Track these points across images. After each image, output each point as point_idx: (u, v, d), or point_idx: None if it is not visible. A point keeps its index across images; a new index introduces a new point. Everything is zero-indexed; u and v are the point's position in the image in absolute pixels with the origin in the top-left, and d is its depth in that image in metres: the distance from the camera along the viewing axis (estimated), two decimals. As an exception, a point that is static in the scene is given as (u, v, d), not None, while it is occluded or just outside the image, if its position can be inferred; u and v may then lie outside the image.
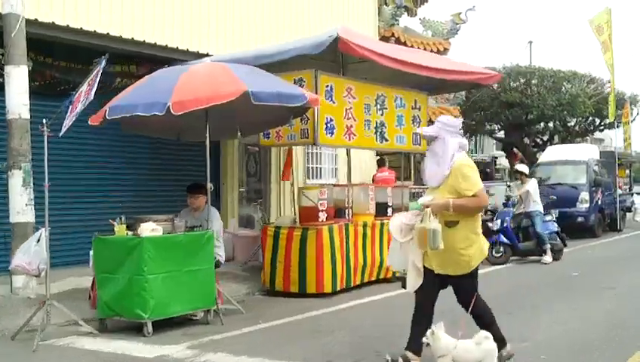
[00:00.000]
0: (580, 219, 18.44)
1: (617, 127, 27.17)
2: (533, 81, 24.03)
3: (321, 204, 9.25)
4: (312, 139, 9.13)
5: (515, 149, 26.36)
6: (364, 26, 15.84)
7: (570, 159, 19.39)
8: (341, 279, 9.28)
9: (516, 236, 13.30)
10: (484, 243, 5.21)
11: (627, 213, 22.81)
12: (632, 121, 26.51)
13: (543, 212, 13.39)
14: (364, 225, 9.88)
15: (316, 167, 14.78)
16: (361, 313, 8.32)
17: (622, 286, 10.06)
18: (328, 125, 9.29)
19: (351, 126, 9.73)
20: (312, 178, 14.56)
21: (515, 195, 13.61)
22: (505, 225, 12.95)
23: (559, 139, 26.61)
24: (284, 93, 7.49)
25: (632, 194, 22.59)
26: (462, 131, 5.48)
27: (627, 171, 23.43)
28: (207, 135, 7.49)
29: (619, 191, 21.45)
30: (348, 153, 10.71)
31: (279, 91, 7.39)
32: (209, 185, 7.78)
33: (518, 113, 23.11)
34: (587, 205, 18.52)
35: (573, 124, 26.81)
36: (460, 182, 4.95)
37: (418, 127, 11.04)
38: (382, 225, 10.12)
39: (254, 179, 13.49)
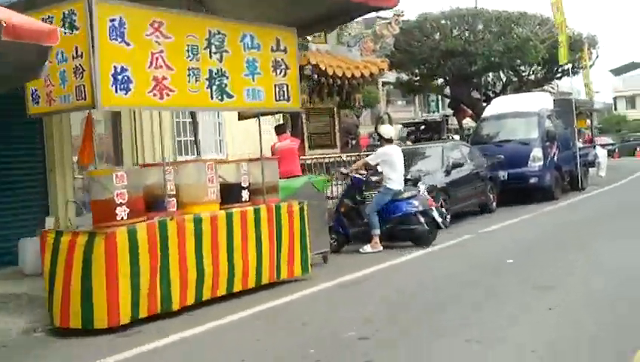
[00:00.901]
0: (533, 179, 15.64)
1: (576, 73, 24.39)
2: (478, 27, 21.02)
3: (118, 195, 6.23)
4: (91, 101, 6.06)
5: (462, 105, 23.47)
6: None
7: (518, 111, 16.53)
8: (150, 301, 6.32)
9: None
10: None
11: (591, 169, 20.10)
12: (591, 66, 23.73)
13: (394, 188, 10.27)
14: (198, 221, 6.89)
15: (192, 140, 11.74)
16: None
17: (570, 283, 7.19)
18: (119, 78, 6.23)
19: (163, 78, 6.67)
20: (187, 154, 11.52)
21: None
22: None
23: (513, 90, 23.76)
24: None
25: (595, 147, 19.82)
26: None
27: (588, 121, 20.63)
28: None
29: (579, 145, 18.67)
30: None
31: None
32: None
33: (461, 63, 20.13)
34: (540, 163, 15.70)
35: (527, 73, 23.94)
36: None
37: (284, 76, 8.04)
38: (231, 216, 7.19)
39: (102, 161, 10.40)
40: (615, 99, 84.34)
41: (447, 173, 13.15)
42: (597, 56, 23.71)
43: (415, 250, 9.99)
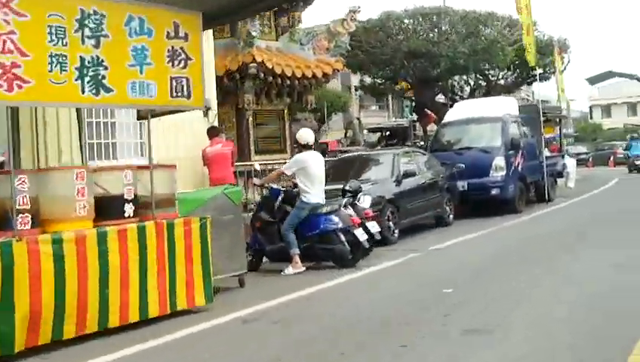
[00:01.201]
0: (494, 191, 14.52)
1: (547, 78, 23.44)
2: (444, 28, 19.90)
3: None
4: None
5: (427, 110, 22.34)
6: None
7: (481, 116, 15.42)
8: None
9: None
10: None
11: (559, 180, 19.06)
12: (562, 71, 22.76)
13: (311, 202, 9.06)
14: (58, 241, 5.59)
15: (108, 143, 10.44)
16: None
17: (514, 324, 5.99)
18: (-54, 64, 4.93)
19: (13, 65, 5.38)
20: (102, 159, 10.21)
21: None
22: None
23: (481, 95, 22.71)
24: None
25: (563, 156, 18.77)
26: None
27: (557, 128, 19.56)
28: None
29: (546, 154, 17.60)
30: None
31: None
32: None
33: (425, 65, 18.99)
34: (503, 173, 14.59)
35: (496, 77, 22.89)
36: None
37: (184, 67, 6.77)
38: (104, 235, 5.90)
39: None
40: (591, 107, 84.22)
41: (398, 182, 11.97)
42: (569, 61, 22.76)
43: (347, 272, 8.76)
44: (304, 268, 8.93)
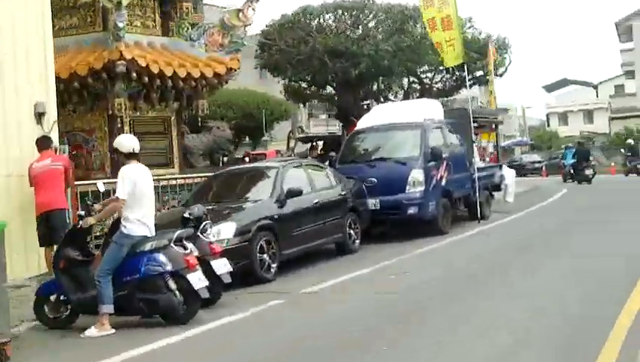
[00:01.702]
0: (411, 209, 12.31)
1: (488, 81, 21.44)
2: (370, 24, 17.71)
3: None
4: None
5: (352, 117, 20.13)
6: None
7: (397, 123, 13.23)
8: None
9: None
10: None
11: (497, 193, 17.00)
12: (501, 75, 20.81)
13: (135, 234, 6.74)
14: None
15: None
16: None
17: None
18: None
19: None
20: None
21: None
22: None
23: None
24: None
25: (501, 167, 16.68)
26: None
27: (493, 135, 17.42)
28: None
29: (479, 164, 15.50)
30: None
31: None
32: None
33: (345, 66, 16.76)
34: (421, 188, 12.39)
35: (430, 79, 20.81)
36: None
37: None
38: None
39: None
40: (548, 115, 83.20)
41: (281, 203, 9.64)
42: (510, 62, 20.76)
43: (176, 330, 6.42)
44: (112, 331, 6.56)
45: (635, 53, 47.30)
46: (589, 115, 77.69)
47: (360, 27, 17.23)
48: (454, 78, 22.07)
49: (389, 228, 13.00)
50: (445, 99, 21.91)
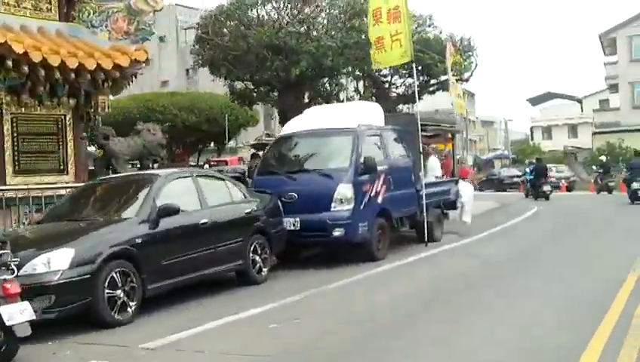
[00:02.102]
0: (337, 231, 10.36)
1: (466, 81, 19.61)
2: (318, 19, 15.76)
3: None
4: None
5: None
6: None
7: (326, 128, 11.29)
8: None
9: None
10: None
11: (453, 212, 15.09)
12: (467, 79, 18.96)
13: None
14: None
15: None
16: None
17: None
18: None
19: None
20: None
21: None
22: None
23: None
24: None
25: (457, 182, 14.74)
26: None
27: (450, 147, 15.44)
28: None
29: (431, 179, 13.59)
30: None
31: None
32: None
33: (284, 64, 14.79)
34: (350, 206, 10.44)
35: (391, 82, 18.89)
36: None
37: None
38: None
39: None
40: (532, 129, 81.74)
41: (151, 223, 7.64)
42: (476, 65, 18.87)
43: None
44: None
45: (618, 66, 45.67)
46: (573, 129, 76.33)
47: (303, 21, 15.23)
48: (419, 82, 20.18)
49: (319, 251, 11.08)
50: (406, 106, 20.04)
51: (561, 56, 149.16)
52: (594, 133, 47.28)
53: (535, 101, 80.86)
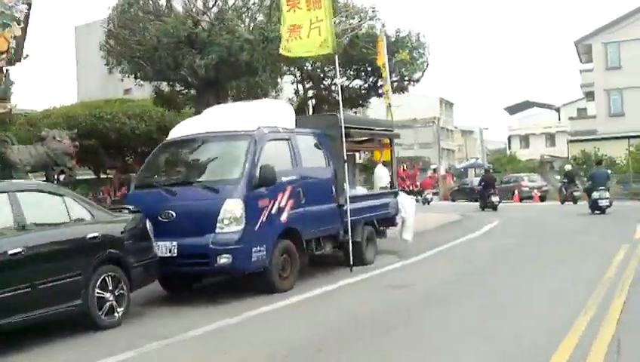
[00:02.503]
0: (223, 259, 8.36)
1: (401, 88, 17.70)
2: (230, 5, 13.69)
3: None
4: None
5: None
6: None
7: (219, 131, 9.26)
8: None
9: None
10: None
11: (392, 229, 13.13)
12: (417, 80, 17.06)
13: None
14: None
15: None
16: None
17: None
18: None
19: None
20: None
21: None
22: None
23: (320, 110, 16.84)
24: None
25: (396, 195, 12.75)
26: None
27: (387, 154, 13.39)
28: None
29: (361, 191, 11.63)
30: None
31: None
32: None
33: (194, 58, 12.74)
34: (239, 228, 8.41)
35: (332, 82, 16.96)
36: None
37: None
38: None
39: None
40: (510, 138, 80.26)
41: None
42: (427, 65, 16.92)
43: None
44: None
45: (594, 73, 44.11)
46: (551, 138, 74.99)
47: (217, 10, 13.19)
48: (367, 84, 18.28)
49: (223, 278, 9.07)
50: (353, 110, 18.07)
51: (541, 64, 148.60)
52: (569, 142, 45.68)
53: (513, 110, 79.51)
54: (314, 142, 10.37)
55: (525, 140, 78.47)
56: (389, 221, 12.67)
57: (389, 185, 13.36)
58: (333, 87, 17.16)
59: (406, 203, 12.97)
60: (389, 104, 13.43)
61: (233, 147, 9.03)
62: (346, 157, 10.68)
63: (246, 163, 8.66)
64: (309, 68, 16.64)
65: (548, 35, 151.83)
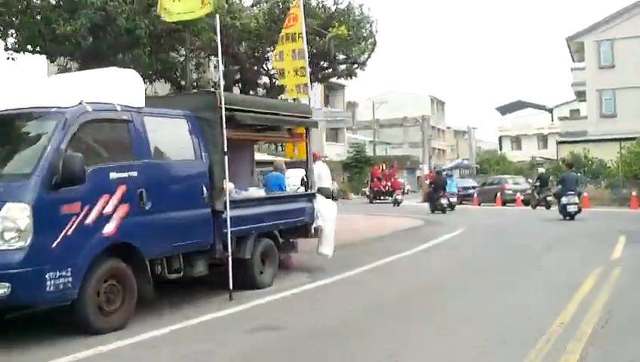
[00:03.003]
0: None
1: (350, 72, 15.15)
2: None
3: None
4: None
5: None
6: None
7: (20, 108, 6.69)
8: None
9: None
10: None
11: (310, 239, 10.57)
12: (363, 63, 14.51)
13: None
14: None
15: None
16: None
17: None
18: None
19: None
20: None
21: None
22: None
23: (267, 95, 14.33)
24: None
25: (313, 199, 9.98)
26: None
27: (301, 148, 10.63)
28: None
29: (248, 194, 9.10)
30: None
31: None
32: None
33: (60, 23, 10.10)
34: (24, 243, 5.87)
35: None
36: None
37: None
38: None
39: None
40: (501, 138, 77.79)
41: None
42: (374, 45, 14.25)
43: None
44: None
45: (586, 72, 41.59)
46: (543, 139, 72.59)
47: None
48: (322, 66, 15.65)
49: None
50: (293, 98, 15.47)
51: (537, 64, 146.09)
52: (558, 143, 43.18)
53: (505, 110, 77.20)
54: (178, 128, 7.82)
55: (517, 141, 76.07)
56: (301, 230, 10.10)
57: (332, 186, 10.89)
58: (263, 70, 14.59)
59: (323, 208, 10.38)
60: (305, 83, 10.85)
61: (35, 129, 6.48)
62: (226, 149, 8.10)
63: (45, 152, 6.10)
64: (238, 49, 14.07)
65: (544, 34, 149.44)
